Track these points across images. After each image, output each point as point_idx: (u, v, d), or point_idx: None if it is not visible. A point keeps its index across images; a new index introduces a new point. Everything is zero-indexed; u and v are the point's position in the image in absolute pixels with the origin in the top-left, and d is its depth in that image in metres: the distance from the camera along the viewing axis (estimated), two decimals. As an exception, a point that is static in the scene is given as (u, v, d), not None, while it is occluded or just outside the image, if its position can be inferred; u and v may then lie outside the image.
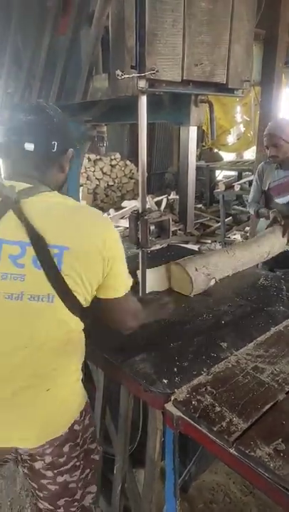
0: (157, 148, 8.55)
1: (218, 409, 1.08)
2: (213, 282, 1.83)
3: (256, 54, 4.10)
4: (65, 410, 1.13)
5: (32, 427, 1.07)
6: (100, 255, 1.04)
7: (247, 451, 0.94)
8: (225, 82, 1.53)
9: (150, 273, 1.80)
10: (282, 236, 2.27)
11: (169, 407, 1.13)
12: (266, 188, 2.60)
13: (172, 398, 1.14)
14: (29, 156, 1.06)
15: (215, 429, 1.01)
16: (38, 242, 0.98)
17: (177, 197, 7.37)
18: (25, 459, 1.13)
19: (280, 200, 2.56)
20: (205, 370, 1.25)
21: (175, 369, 1.27)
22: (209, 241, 5.86)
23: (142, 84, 1.30)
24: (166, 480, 1.20)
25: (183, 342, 1.42)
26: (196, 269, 1.78)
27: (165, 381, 1.20)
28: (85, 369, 1.67)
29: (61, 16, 1.56)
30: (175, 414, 1.10)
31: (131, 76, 1.26)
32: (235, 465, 0.98)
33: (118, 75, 1.24)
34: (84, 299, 1.06)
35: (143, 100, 1.38)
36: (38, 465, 1.12)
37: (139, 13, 1.21)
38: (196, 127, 1.66)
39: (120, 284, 1.14)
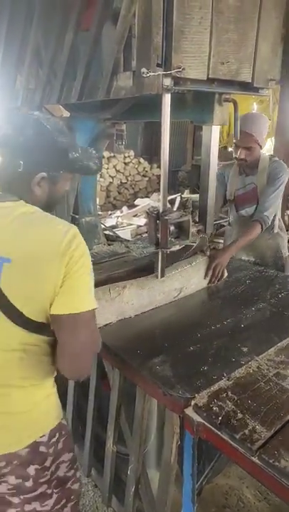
0: (171, 147, 8.51)
1: (240, 415, 1.06)
2: None
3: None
4: (20, 426, 1.05)
5: None
6: (52, 270, 0.94)
7: (271, 461, 0.92)
8: (250, 81, 1.50)
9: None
10: (206, 271, 1.87)
11: (189, 412, 1.11)
12: (232, 198, 2.30)
13: (192, 403, 1.12)
14: (1, 168, 1.05)
15: (237, 436, 0.99)
16: None
17: (190, 196, 7.32)
18: None
19: (244, 212, 2.29)
20: (225, 374, 1.23)
21: (194, 373, 1.25)
22: (222, 241, 5.80)
23: (167, 82, 1.28)
24: (184, 486, 1.18)
25: (202, 345, 1.40)
26: None
27: (184, 385, 1.19)
28: (100, 368, 1.67)
29: (85, 11, 1.54)
30: (195, 420, 1.08)
31: (156, 74, 1.23)
32: (257, 474, 0.96)
33: (143, 73, 1.22)
34: (34, 315, 0.97)
35: (167, 98, 1.36)
36: (2, 488, 1.05)
37: (166, 10, 1.19)
38: (218, 127, 1.63)
39: (78, 300, 0.98)
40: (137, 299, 1.54)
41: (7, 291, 0.95)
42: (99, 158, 1.19)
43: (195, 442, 1.13)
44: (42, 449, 1.08)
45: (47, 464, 1.10)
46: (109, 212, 7.15)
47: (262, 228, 2.06)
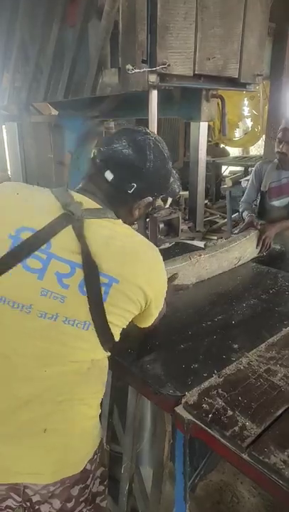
0: (163, 143, 8.45)
1: (230, 413, 1.06)
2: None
3: (265, 47, 4.02)
4: (79, 445, 1.03)
5: (46, 461, 0.97)
6: (143, 297, 1.01)
7: (261, 458, 0.92)
8: (237, 77, 1.49)
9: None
10: (257, 243, 2.16)
11: (180, 410, 1.10)
12: (266, 189, 2.46)
13: (183, 401, 1.11)
14: (105, 183, 1.01)
15: (227, 433, 0.99)
16: (90, 266, 0.93)
17: (183, 193, 7.31)
18: (32, 505, 1.02)
19: (277, 203, 2.44)
20: (216, 372, 1.23)
21: (185, 371, 1.24)
22: (215, 237, 5.80)
23: (153, 78, 1.27)
24: (176, 484, 1.18)
25: (193, 343, 1.40)
26: None
27: (175, 383, 1.18)
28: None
29: (69, 6, 1.52)
30: (186, 418, 1.08)
31: (142, 71, 1.22)
32: (248, 471, 0.95)
33: (129, 70, 1.21)
34: (116, 334, 1.02)
35: (154, 95, 1.34)
36: (43, 508, 1.01)
37: (150, 6, 1.18)
38: (206, 123, 1.63)
39: (157, 317, 1.15)
40: (210, 265, 1.90)
41: (107, 311, 0.96)
42: (180, 179, 1.22)
43: (186, 441, 1.12)
44: (88, 466, 1.06)
45: (88, 481, 1.08)
46: (102, 211, 7.09)
47: None
